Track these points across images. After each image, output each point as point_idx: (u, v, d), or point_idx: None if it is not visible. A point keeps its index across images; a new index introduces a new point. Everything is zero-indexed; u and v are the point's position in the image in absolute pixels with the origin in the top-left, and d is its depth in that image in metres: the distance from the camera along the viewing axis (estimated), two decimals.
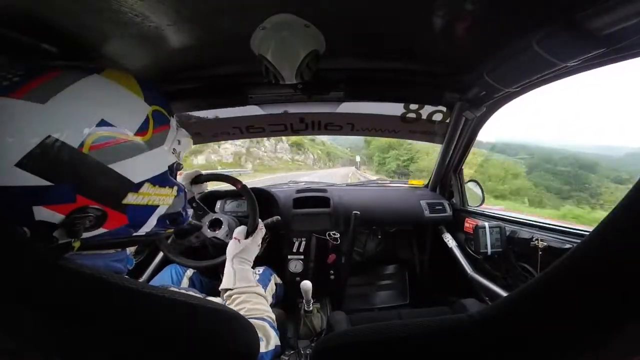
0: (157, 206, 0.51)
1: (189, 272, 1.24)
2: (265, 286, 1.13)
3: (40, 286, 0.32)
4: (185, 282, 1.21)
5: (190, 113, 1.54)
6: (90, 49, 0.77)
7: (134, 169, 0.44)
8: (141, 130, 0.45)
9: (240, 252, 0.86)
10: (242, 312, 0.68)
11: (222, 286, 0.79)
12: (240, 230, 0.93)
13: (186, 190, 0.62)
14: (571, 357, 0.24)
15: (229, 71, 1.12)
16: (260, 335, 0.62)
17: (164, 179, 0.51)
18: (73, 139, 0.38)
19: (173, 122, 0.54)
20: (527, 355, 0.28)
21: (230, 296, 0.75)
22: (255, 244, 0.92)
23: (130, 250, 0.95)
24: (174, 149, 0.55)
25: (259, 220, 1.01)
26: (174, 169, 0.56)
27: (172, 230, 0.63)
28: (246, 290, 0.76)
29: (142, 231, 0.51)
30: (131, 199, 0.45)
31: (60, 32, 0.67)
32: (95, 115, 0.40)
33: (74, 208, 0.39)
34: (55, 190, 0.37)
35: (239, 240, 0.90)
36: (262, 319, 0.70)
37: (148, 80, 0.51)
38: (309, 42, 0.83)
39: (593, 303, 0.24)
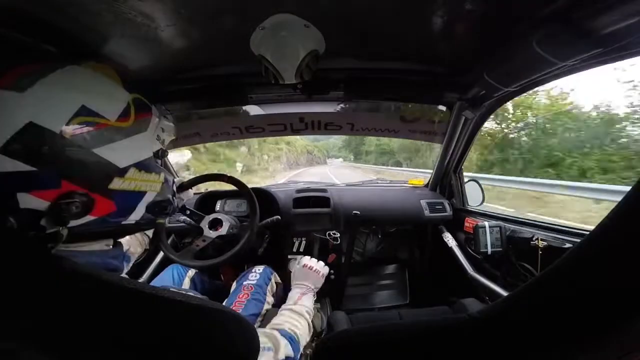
0: (145, 192, 0.52)
1: (191, 272, 1.24)
2: (265, 285, 1.14)
3: (35, 285, 0.32)
4: (186, 283, 1.21)
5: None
6: (90, 49, 0.77)
7: (119, 153, 0.45)
8: (123, 116, 0.46)
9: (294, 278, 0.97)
10: (272, 323, 0.74)
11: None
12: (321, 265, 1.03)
13: (175, 199, 0.63)
14: (570, 356, 0.25)
15: (228, 71, 1.12)
16: (269, 344, 0.61)
17: (149, 165, 0.52)
18: (54, 124, 0.38)
19: (155, 110, 0.55)
20: (527, 355, 0.28)
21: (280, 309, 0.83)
22: (318, 274, 1.00)
23: (133, 249, 0.96)
24: (157, 136, 0.56)
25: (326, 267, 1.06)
26: (159, 155, 0.56)
27: (162, 220, 0.63)
28: (285, 307, 0.83)
29: (132, 219, 0.51)
30: (117, 184, 0.46)
31: (60, 32, 0.67)
32: (75, 102, 0.41)
33: (59, 193, 0.39)
34: (40, 175, 0.38)
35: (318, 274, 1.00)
36: (277, 329, 0.69)
37: (142, 82, 0.52)
38: (309, 42, 0.83)
39: (593, 302, 0.24)
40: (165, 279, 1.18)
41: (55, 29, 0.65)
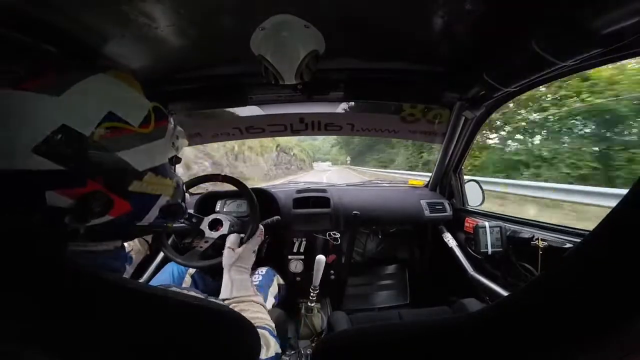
0: (159, 196, 0.54)
1: (191, 269, 1.24)
2: (268, 287, 1.13)
3: (38, 286, 0.33)
4: (187, 280, 1.21)
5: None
6: (90, 49, 0.77)
7: (139, 157, 0.48)
8: (145, 123, 0.49)
9: (236, 260, 0.87)
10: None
11: (221, 296, 0.79)
12: (233, 239, 0.93)
13: (185, 203, 0.65)
14: (571, 356, 0.24)
15: (229, 71, 1.12)
16: (261, 343, 0.62)
17: (165, 170, 0.55)
18: (85, 128, 0.41)
19: (171, 118, 0.58)
20: (527, 355, 0.28)
21: (230, 304, 0.75)
22: (249, 251, 0.91)
23: (136, 247, 0.96)
24: (173, 143, 0.58)
25: (259, 225, 1.01)
26: (173, 161, 0.60)
27: (172, 224, 0.64)
28: (244, 299, 0.77)
29: (145, 221, 0.54)
30: (136, 186, 0.48)
31: (60, 32, 0.67)
32: (104, 108, 0.43)
33: (84, 192, 0.42)
34: (68, 174, 0.40)
35: (232, 249, 0.90)
36: (262, 327, 0.70)
37: (145, 83, 0.54)
38: (309, 43, 0.83)
39: (593, 302, 0.24)
40: (165, 277, 1.17)
41: (55, 29, 0.65)
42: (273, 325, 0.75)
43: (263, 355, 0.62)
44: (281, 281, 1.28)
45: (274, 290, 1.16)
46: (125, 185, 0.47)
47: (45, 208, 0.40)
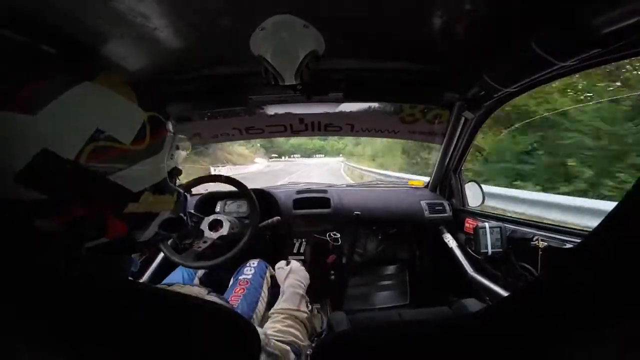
0: (158, 213, 0.50)
1: (200, 272, 1.24)
2: (261, 279, 1.14)
3: (41, 287, 0.33)
4: (196, 283, 1.22)
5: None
6: (89, 51, 0.77)
7: (133, 178, 0.43)
8: (138, 139, 0.43)
9: (289, 273, 0.95)
10: (272, 331, 0.72)
11: (274, 307, 0.84)
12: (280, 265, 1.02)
13: (187, 215, 0.62)
14: (570, 355, 0.24)
15: (228, 72, 1.12)
16: (277, 353, 0.60)
17: (163, 187, 0.50)
18: (68, 151, 0.36)
19: (170, 126, 0.52)
20: (527, 355, 0.28)
21: (272, 314, 0.81)
22: (300, 269, 0.99)
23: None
24: (172, 155, 0.54)
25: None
26: (173, 174, 0.55)
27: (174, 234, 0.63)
28: (285, 312, 0.80)
29: (144, 237, 0.50)
30: (132, 208, 0.44)
31: (59, 33, 0.67)
32: (90, 125, 0.38)
33: (70, 219, 0.38)
34: (51, 202, 0.36)
35: (282, 269, 0.98)
36: (289, 343, 0.68)
37: (143, 84, 0.50)
38: (308, 43, 0.83)
39: (593, 302, 0.24)
40: (175, 279, 1.18)
41: (54, 30, 0.65)
42: (301, 344, 0.72)
43: None
44: (273, 272, 1.28)
45: (267, 282, 1.16)
46: (119, 208, 0.43)
47: (37, 235, 0.37)
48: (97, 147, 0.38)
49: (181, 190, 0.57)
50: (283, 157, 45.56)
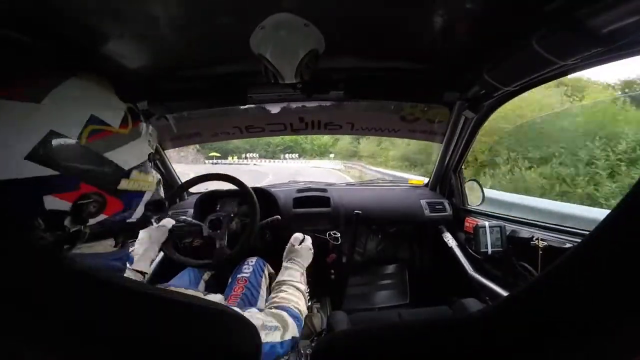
0: (144, 192, 0.57)
1: (206, 275, 1.25)
2: (260, 277, 1.14)
3: (42, 286, 0.32)
4: (202, 286, 1.22)
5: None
6: (89, 49, 0.77)
7: (123, 157, 0.50)
8: (123, 124, 0.51)
9: (293, 254, 0.99)
10: (275, 299, 0.77)
11: (277, 279, 0.89)
12: (297, 236, 1.07)
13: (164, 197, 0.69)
14: (570, 355, 0.24)
15: (228, 70, 1.11)
16: (276, 324, 0.65)
17: (147, 167, 0.58)
18: (72, 132, 0.43)
19: (142, 117, 0.60)
20: (527, 355, 0.28)
21: (277, 283, 0.86)
22: (307, 249, 1.02)
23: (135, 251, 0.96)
24: (149, 141, 0.61)
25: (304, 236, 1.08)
26: (151, 158, 0.62)
27: (157, 216, 0.69)
28: (287, 282, 0.85)
29: (134, 217, 0.57)
30: (124, 184, 0.51)
31: (59, 32, 0.67)
32: (85, 112, 0.45)
33: (79, 195, 0.44)
34: (62, 178, 0.42)
35: (293, 245, 1.02)
36: (283, 308, 0.73)
37: (119, 82, 0.56)
38: (308, 42, 0.83)
39: (593, 302, 0.24)
40: (181, 283, 1.18)
41: (53, 28, 0.65)
42: (301, 309, 0.78)
43: (278, 337, 0.63)
44: (272, 270, 1.28)
45: (265, 280, 1.17)
46: (114, 184, 0.49)
47: (45, 212, 0.42)
48: (94, 129, 0.45)
49: (157, 175, 0.65)
50: (229, 158, 30.10)
